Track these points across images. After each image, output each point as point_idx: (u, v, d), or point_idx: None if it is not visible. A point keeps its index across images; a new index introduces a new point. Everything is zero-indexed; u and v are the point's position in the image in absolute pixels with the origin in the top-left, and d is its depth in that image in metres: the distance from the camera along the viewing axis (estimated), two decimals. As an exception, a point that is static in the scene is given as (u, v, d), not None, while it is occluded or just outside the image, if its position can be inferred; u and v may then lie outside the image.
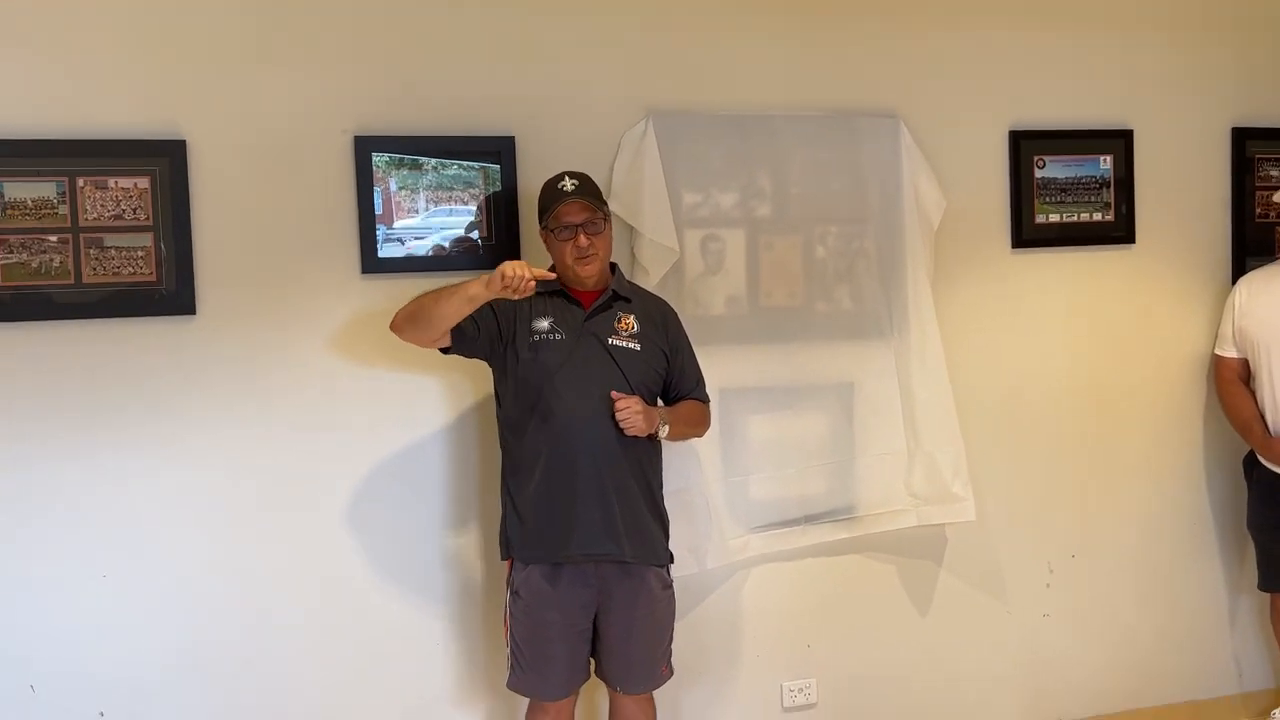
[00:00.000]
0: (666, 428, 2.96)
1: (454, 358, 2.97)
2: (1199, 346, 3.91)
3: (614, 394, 2.86)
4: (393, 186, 3.19)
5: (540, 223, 2.97)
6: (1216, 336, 3.84)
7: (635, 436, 2.88)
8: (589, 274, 2.94)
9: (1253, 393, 3.73)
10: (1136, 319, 3.86)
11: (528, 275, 2.67)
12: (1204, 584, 3.98)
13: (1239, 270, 3.90)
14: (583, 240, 2.90)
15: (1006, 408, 3.74)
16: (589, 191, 2.94)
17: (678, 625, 3.12)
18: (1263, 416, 3.68)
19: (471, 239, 3.25)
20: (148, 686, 3.05)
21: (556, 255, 2.96)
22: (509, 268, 2.67)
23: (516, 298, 2.71)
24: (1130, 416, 3.87)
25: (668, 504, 3.10)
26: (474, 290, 2.72)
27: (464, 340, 2.90)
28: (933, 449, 3.55)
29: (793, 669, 3.59)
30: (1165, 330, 3.89)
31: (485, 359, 2.98)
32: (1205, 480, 3.95)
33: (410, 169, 3.20)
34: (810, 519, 3.51)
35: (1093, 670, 3.88)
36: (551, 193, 2.94)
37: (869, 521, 3.55)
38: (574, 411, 2.87)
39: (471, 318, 2.86)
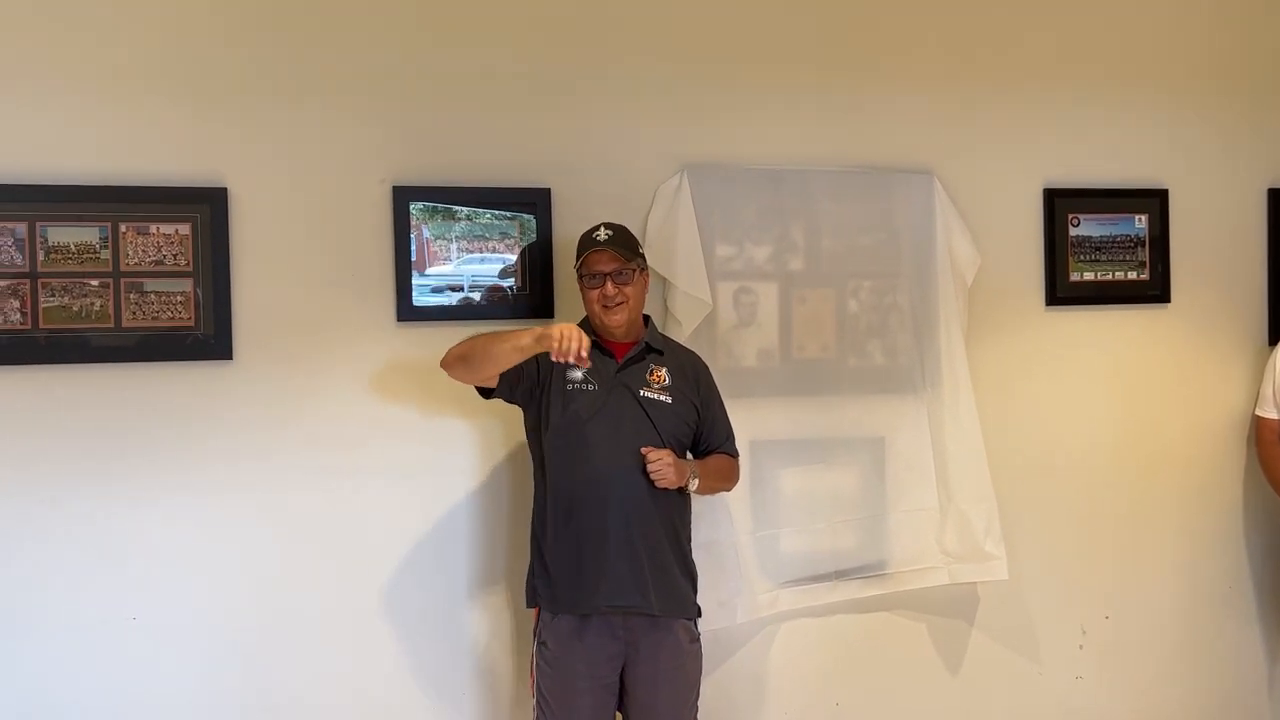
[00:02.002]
0: (697, 481, 2.95)
1: (488, 402, 2.98)
2: (1237, 407, 3.87)
3: (645, 449, 2.86)
4: (426, 234, 3.22)
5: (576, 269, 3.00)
6: (1257, 397, 3.80)
7: (665, 489, 2.88)
8: (615, 323, 2.95)
9: (1293, 456, 3.69)
10: (1172, 378, 3.82)
11: (576, 345, 2.66)
12: (1241, 650, 3.90)
13: (1276, 331, 3.86)
14: (609, 289, 2.92)
15: (1040, 465, 3.71)
16: (622, 242, 2.96)
17: (705, 681, 3.09)
18: (1303, 479, 3.64)
19: (504, 288, 3.27)
20: (173, 731, 3.05)
21: (586, 302, 2.98)
22: (559, 330, 2.68)
23: (557, 360, 2.71)
24: (1167, 477, 3.82)
25: (697, 556, 3.08)
26: (525, 341, 2.75)
27: (508, 385, 2.92)
28: (965, 506, 3.52)
29: (821, 727, 3.55)
30: (1202, 390, 3.85)
31: (522, 405, 2.99)
32: (1244, 544, 3.88)
33: (444, 217, 3.23)
34: (841, 575, 3.48)
35: (1127, 735, 3.81)
36: (586, 241, 2.98)
37: (900, 578, 3.52)
38: (605, 462, 2.87)
39: (518, 364, 2.89)
